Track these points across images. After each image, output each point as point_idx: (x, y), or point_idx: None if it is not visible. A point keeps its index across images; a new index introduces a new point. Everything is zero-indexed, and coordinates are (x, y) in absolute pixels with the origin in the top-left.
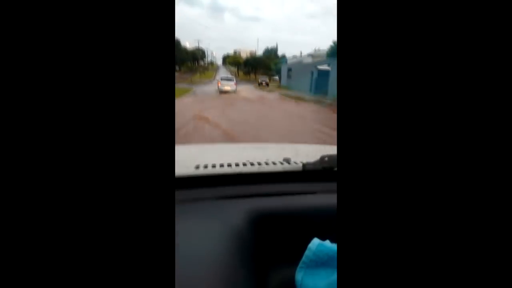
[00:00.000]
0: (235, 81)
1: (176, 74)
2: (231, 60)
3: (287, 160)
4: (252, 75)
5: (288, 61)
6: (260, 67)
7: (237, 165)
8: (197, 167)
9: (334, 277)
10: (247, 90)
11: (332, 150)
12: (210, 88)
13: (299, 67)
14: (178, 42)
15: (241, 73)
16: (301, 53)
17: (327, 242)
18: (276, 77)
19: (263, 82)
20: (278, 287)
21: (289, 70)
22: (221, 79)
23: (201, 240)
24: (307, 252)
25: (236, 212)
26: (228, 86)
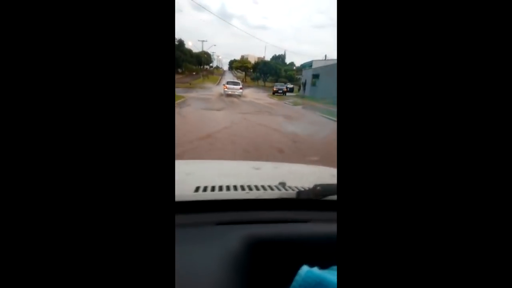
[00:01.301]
0: (241, 85)
1: (176, 76)
2: (238, 65)
3: (283, 185)
4: (261, 82)
5: (314, 65)
6: (271, 73)
7: (235, 188)
8: (197, 189)
9: None
10: (260, 103)
11: (325, 172)
12: (209, 99)
13: (331, 72)
14: (182, 43)
15: (248, 79)
16: (325, 56)
17: (315, 269)
18: (289, 85)
19: (280, 90)
20: None
21: (315, 76)
22: (227, 83)
23: (201, 262)
24: (296, 278)
25: (234, 238)
26: (234, 90)
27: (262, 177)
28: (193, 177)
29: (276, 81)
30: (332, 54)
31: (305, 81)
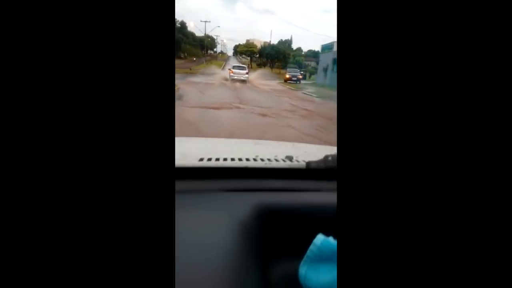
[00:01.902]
0: (247, 70)
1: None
2: (244, 49)
3: (290, 158)
4: (267, 67)
5: (336, 48)
6: (278, 58)
7: (240, 159)
8: (201, 159)
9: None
10: (272, 95)
11: (333, 150)
12: (210, 86)
13: None
14: (184, 26)
15: (254, 64)
16: None
17: (331, 238)
18: (297, 72)
19: (293, 77)
20: (281, 279)
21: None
22: (233, 67)
23: (209, 229)
24: (312, 247)
25: (243, 205)
26: (240, 75)
27: (268, 151)
28: (195, 151)
29: (284, 67)
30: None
31: (327, 66)
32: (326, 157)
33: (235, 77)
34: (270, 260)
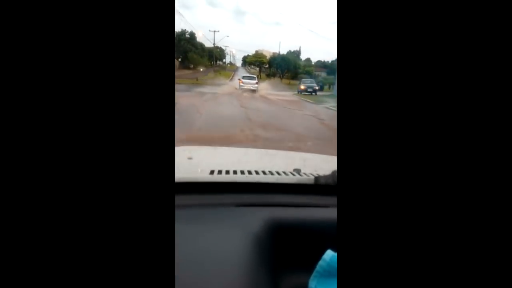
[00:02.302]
0: (256, 80)
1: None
2: (253, 59)
3: (298, 171)
4: (277, 78)
5: None
6: (289, 68)
7: (250, 172)
8: (211, 172)
9: None
10: (293, 112)
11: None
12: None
13: None
14: (193, 36)
15: (263, 75)
16: None
17: None
18: (313, 82)
19: (309, 88)
20: None
21: None
22: (243, 78)
23: (223, 242)
24: (321, 262)
25: (255, 219)
26: (250, 85)
27: (275, 164)
28: (203, 161)
29: (293, 78)
30: None
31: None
32: (334, 172)
33: (245, 87)
34: (280, 273)
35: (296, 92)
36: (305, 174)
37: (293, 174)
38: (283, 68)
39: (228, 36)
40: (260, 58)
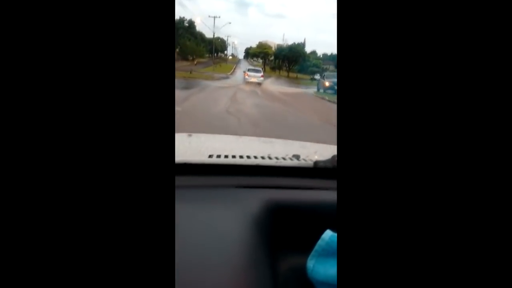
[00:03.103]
0: (262, 73)
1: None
2: (257, 51)
3: (297, 157)
4: (283, 72)
5: None
6: (297, 60)
7: (248, 157)
8: (210, 156)
9: None
10: None
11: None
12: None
13: None
14: (192, 25)
15: (267, 68)
16: None
17: None
18: (318, 77)
19: (336, 85)
20: (289, 271)
21: None
22: (248, 70)
23: (222, 221)
24: (320, 242)
25: (254, 200)
26: (255, 78)
27: (275, 150)
28: (203, 147)
29: (300, 71)
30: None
31: None
32: (333, 157)
33: (250, 80)
34: (279, 253)
35: (317, 90)
36: (304, 159)
37: (292, 160)
38: (290, 60)
39: (230, 23)
40: (264, 49)
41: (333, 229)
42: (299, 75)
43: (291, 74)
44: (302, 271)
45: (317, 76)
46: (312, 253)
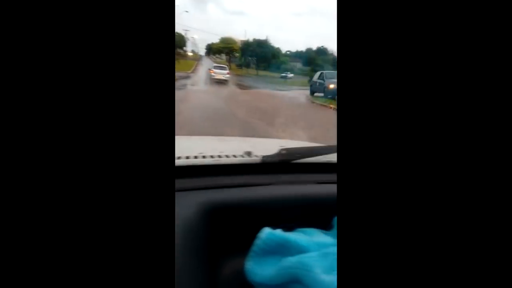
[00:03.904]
0: (228, 70)
1: None
2: (220, 47)
3: (248, 154)
4: (251, 70)
5: None
6: (267, 56)
7: (195, 157)
8: None
9: (281, 263)
10: None
11: (290, 144)
12: None
13: None
14: None
15: (233, 65)
16: None
17: (278, 231)
18: (289, 74)
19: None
20: (232, 276)
21: None
22: (214, 67)
23: None
24: (256, 241)
25: (189, 205)
26: (221, 75)
27: (229, 147)
28: None
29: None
30: (310, 43)
31: None
32: (280, 150)
33: (216, 77)
34: (219, 258)
35: (311, 94)
36: (256, 156)
37: (243, 157)
38: (258, 56)
39: (187, 12)
40: (229, 44)
41: (274, 225)
42: (270, 74)
43: (260, 72)
44: (244, 274)
45: (287, 74)
46: (250, 253)
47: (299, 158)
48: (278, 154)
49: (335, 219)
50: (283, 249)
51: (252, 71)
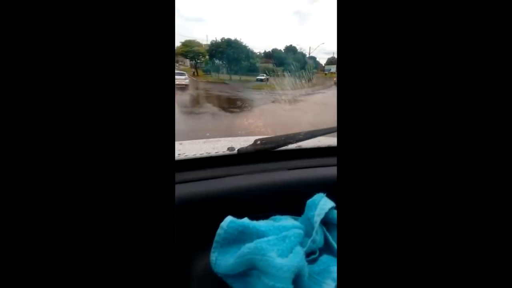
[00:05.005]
0: (186, 76)
1: None
2: (184, 50)
3: (231, 149)
4: (222, 75)
5: None
6: (239, 59)
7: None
8: None
9: (241, 250)
10: None
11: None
12: None
13: None
14: None
15: (200, 71)
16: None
17: (245, 220)
18: (264, 77)
19: None
20: (203, 270)
21: None
22: None
23: None
24: (219, 231)
25: None
26: (180, 80)
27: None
28: None
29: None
30: (275, 44)
31: None
32: (255, 141)
33: (176, 83)
34: (189, 252)
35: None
36: (238, 151)
37: (224, 152)
38: (230, 59)
39: None
40: (193, 47)
41: (239, 215)
42: (244, 77)
43: (233, 77)
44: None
45: (263, 76)
46: (214, 244)
47: (273, 146)
48: (254, 144)
49: (308, 202)
50: (244, 236)
51: (224, 76)
